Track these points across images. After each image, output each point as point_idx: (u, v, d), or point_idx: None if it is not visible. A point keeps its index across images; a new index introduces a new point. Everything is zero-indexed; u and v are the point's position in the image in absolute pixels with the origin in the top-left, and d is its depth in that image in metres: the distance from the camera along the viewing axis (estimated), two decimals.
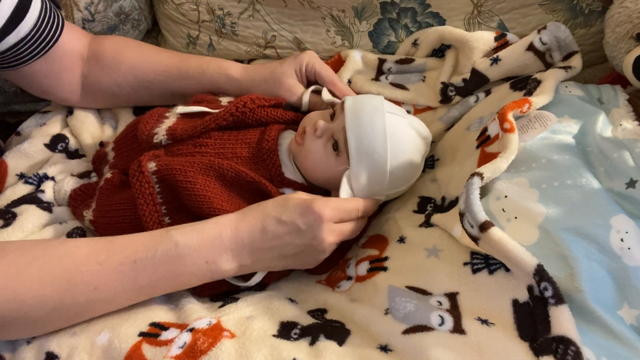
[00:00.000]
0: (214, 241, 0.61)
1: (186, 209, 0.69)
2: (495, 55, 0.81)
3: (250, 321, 0.60)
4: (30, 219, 0.71)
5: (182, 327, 0.59)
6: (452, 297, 0.58)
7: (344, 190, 0.70)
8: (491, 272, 0.58)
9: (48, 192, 0.76)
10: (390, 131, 0.70)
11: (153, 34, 1.15)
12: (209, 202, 0.67)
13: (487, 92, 0.82)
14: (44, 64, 0.78)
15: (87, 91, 0.84)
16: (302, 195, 0.66)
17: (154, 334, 0.58)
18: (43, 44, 0.76)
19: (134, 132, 0.79)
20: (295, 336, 0.59)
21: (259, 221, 0.62)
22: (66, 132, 0.86)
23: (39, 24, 0.74)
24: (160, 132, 0.75)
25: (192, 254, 0.60)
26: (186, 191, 0.68)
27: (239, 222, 0.62)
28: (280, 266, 0.66)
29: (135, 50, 0.85)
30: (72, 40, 0.81)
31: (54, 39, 0.77)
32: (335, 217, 0.64)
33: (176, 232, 0.61)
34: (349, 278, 0.69)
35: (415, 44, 0.90)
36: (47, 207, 0.74)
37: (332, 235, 0.64)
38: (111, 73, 0.82)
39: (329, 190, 0.75)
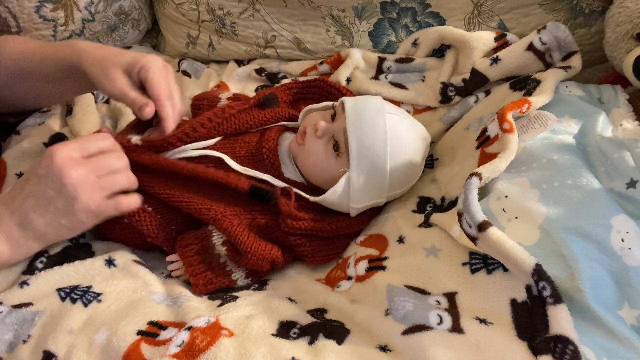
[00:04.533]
0: None
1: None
2: (495, 55, 0.81)
3: (250, 320, 0.60)
4: None
5: (180, 325, 0.59)
6: (450, 296, 0.58)
7: (337, 189, 0.70)
8: (489, 272, 0.58)
9: None
10: (391, 132, 0.70)
11: (153, 34, 1.15)
12: (187, 204, 0.69)
13: (487, 92, 0.82)
14: None
15: None
16: None
17: (152, 333, 0.58)
18: None
19: None
20: (295, 335, 0.59)
21: (12, 187, 0.61)
22: (65, 131, 0.86)
23: None
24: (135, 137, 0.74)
25: None
26: (164, 196, 0.70)
27: None
28: (55, 227, 0.62)
29: (13, 42, 0.81)
30: None
31: None
32: (73, 148, 0.61)
33: None
34: (349, 278, 0.69)
35: (415, 43, 0.90)
36: None
37: (73, 166, 0.60)
38: None
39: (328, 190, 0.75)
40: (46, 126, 0.86)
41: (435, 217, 0.68)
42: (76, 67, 0.73)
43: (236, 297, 0.66)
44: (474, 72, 0.82)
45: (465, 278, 0.59)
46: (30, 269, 0.66)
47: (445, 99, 0.84)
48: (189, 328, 0.57)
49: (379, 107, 0.71)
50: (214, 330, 0.57)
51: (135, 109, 0.71)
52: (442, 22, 0.89)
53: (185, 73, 1.01)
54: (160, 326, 0.59)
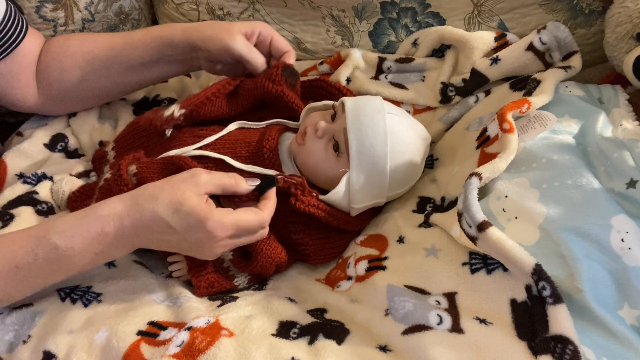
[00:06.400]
0: (97, 237, 0.58)
1: None
2: (495, 55, 0.81)
3: (249, 320, 0.60)
4: (27, 222, 0.71)
5: (180, 326, 0.59)
6: (450, 296, 0.58)
7: (339, 191, 0.70)
8: (489, 272, 0.58)
9: (42, 192, 0.76)
10: (391, 133, 0.70)
11: None
12: None
13: (487, 92, 0.82)
14: (4, 65, 0.77)
15: (40, 88, 0.82)
16: (198, 200, 0.59)
17: (152, 333, 0.58)
18: (7, 45, 0.75)
19: (135, 131, 0.79)
20: (294, 335, 0.59)
21: (146, 218, 0.59)
22: (66, 132, 0.86)
23: (3, 24, 0.74)
24: (174, 108, 0.76)
25: (77, 253, 0.58)
26: None
27: (123, 217, 0.59)
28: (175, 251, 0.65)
29: (81, 36, 0.85)
30: (33, 43, 0.81)
31: (18, 40, 0.77)
32: (230, 234, 0.61)
33: (55, 233, 0.57)
34: (349, 278, 0.69)
35: (415, 43, 0.90)
36: (43, 209, 0.74)
37: (223, 248, 0.62)
38: (60, 59, 0.81)
39: (328, 190, 0.75)
40: (49, 127, 0.86)
41: (435, 217, 0.68)
42: (176, 46, 0.78)
43: (236, 297, 0.66)
44: (474, 72, 0.82)
45: (465, 278, 0.59)
46: None
47: (445, 99, 0.84)
48: (189, 328, 0.57)
49: (379, 107, 0.71)
50: (213, 331, 0.57)
51: (256, 65, 0.78)
52: (442, 22, 0.89)
53: (185, 73, 1.01)
54: (160, 326, 0.59)
